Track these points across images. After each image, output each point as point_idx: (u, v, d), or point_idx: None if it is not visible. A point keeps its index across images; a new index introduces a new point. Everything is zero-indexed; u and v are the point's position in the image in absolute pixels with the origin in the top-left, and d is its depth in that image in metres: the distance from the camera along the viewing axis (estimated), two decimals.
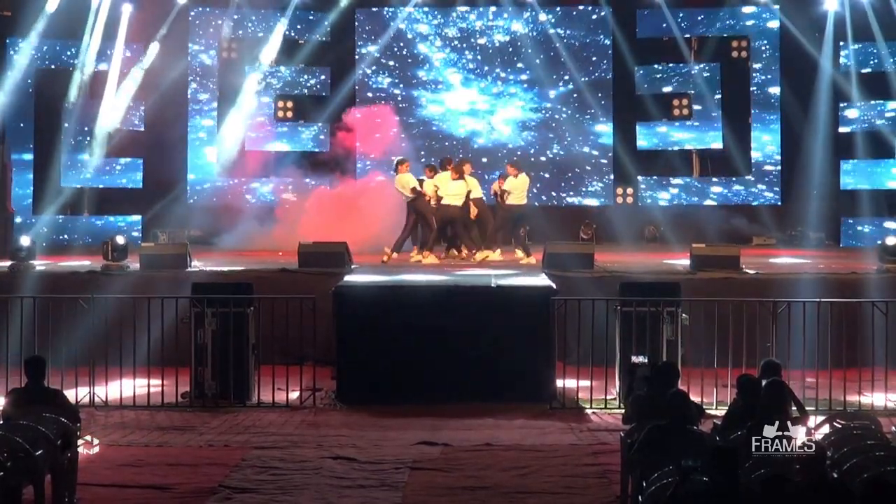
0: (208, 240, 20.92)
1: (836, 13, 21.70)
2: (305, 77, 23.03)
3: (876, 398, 12.73)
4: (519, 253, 17.72)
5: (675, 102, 23.12)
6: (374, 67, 22.89)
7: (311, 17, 22.86)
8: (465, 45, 23.12)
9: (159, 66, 21.88)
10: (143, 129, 22.36)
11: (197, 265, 16.31)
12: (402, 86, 23.06)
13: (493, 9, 22.97)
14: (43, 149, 21.70)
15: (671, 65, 23.04)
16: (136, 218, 21.78)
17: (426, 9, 22.84)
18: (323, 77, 22.85)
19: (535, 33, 22.80)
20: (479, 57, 23.09)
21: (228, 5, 22.37)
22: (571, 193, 23.02)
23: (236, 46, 22.92)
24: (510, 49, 23.06)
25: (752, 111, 22.91)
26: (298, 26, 22.90)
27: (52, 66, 21.83)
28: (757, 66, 22.89)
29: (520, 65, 23.07)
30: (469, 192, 17.48)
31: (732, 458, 6.72)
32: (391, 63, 23.06)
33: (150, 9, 21.79)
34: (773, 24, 22.63)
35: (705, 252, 16.38)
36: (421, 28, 23.06)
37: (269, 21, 22.61)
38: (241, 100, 22.33)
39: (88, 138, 21.95)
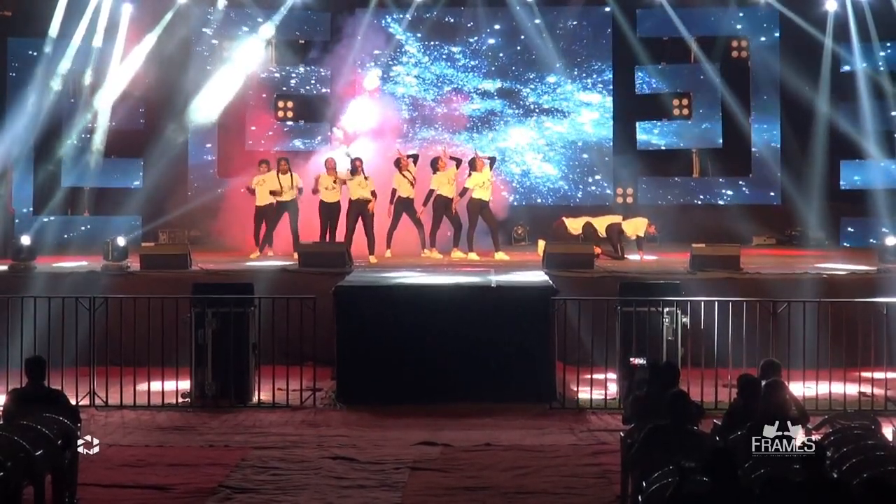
0: (209, 240, 20.89)
1: (837, 13, 21.68)
2: (306, 77, 23.00)
3: (876, 398, 12.73)
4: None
5: (675, 102, 23.09)
6: (374, 70, 22.82)
7: (311, 17, 22.82)
8: (462, 45, 23.08)
9: (160, 65, 21.86)
10: (143, 128, 22.33)
11: (197, 265, 16.30)
12: (398, 84, 23.03)
13: (492, 9, 22.93)
14: (44, 148, 21.66)
15: (671, 64, 23.02)
16: (137, 218, 21.75)
17: (423, 9, 22.76)
18: (324, 77, 22.80)
19: (534, 33, 22.75)
20: (476, 56, 23.06)
21: (229, 4, 22.32)
22: (571, 193, 23.01)
23: (236, 46, 22.84)
24: (508, 50, 23.03)
25: (752, 111, 22.89)
26: (299, 26, 22.87)
27: (53, 66, 21.72)
28: (757, 65, 22.85)
29: (519, 64, 23.04)
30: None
31: (731, 458, 6.73)
32: (389, 63, 23.03)
33: (151, 8, 21.75)
34: (774, 24, 22.60)
35: (705, 252, 16.37)
36: (416, 28, 22.99)
37: (270, 20, 22.53)
38: (239, 97, 22.31)
39: (88, 138, 21.92)
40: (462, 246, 18.29)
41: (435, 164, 18.38)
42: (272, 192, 18.50)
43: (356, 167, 18.30)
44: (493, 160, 18.80)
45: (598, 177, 23.03)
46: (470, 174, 18.31)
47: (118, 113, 21.89)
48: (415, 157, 18.71)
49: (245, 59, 22.28)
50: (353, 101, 22.14)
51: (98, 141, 21.89)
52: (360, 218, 18.18)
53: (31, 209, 21.58)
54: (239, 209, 20.37)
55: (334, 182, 18.28)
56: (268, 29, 22.35)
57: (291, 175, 18.75)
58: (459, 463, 10.37)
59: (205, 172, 22.70)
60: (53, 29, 21.21)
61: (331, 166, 18.44)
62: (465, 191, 18.35)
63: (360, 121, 21.83)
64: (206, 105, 21.98)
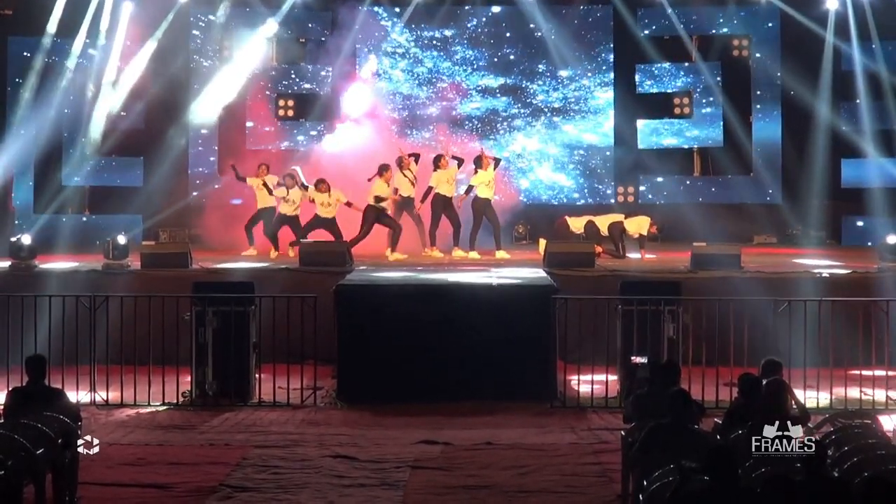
0: (209, 238, 20.86)
1: (838, 12, 21.67)
2: (306, 75, 22.99)
3: (877, 397, 12.73)
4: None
5: (676, 101, 23.09)
6: (375, 67, 22.83)
7: (312, 15, 22.81)
8: (463, 44, 23.07)
9: (160, 64, 21.86)
10: (143, 127, 22.33)
11: (198, 264, 16.30)
12: (399, 83, 23.02)
13: (492, 7, 22.94)
14: (44, 147, 21.65)
15: (672, 63, 23.01)
16: (137, 217, 21.75)
17: (423, 7, 22.76)
18: (325, 75, 22.79)
19: (534, 32, 22.74)
20: (476, 55, 23.05)
21: (229, 4, 22.30)
22: (572, 192, 23.01)
23: (237, 45, 22.81)
24: (510, 48, 23.04)
25: (753, 110, 22.89)
26: (299, 24, 22.86)
27: (53, 64, 21.74)
28: (758, 64, 22.85)
29: (519, 63, 23.04)
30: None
31: (731, 457, 6.73)
32: (390, 63, 23.03)
33: (151, 7, 21.73)
34: (775, 23, 22.59)
35: (706, 251, 16.38)
36: (417, 28, 23.00)
37: (270, 19, 22.50)
38: (240, 96, 22.29)
39: (88, 137, 21.91)
40: (462, 245, 18.28)
41: (437, 162, 18.36)
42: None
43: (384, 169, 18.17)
44: (497, 161, 18.76)
45: (598, 175, 23.01)
46: (476, 171, 18.29)
47: (118, 112, 21.88)
48: (416, 156, 18.69)
49: (247, 59, 22.27)
50: (350, 95, 22.06)
51: (98, 140, 21.88)
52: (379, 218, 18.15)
53: (32, 208, 21.57)
54: (239, 208, 20.38)
55: (329, 198, 18.17)
56: (269, 27, 22.33)
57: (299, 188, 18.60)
58: (460, 461, 10.37)
59: (205, 171, 22.69)
60: (54, 28, 21.23)
61: (324, 189, 18.20)
62: (469, 188, 18.36)
63: (358, 113, 21.77)
64: (207, 107, 21.99)
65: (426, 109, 22.95)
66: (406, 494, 9.37)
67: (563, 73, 22.91)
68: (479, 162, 18.29)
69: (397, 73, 23.05)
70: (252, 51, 22.33)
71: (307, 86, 23.02)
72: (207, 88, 22.05)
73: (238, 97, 22.34)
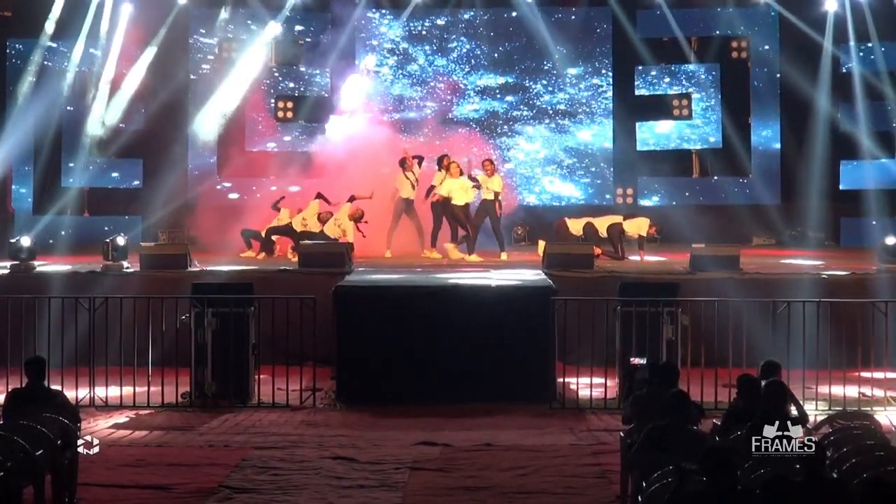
0: (207, 239, 20.84)
1: (837, 13, 21.68)
2: (305, 77, 23.00)
3: (876, 398, 12.74)
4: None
5: (675, 102, 23.12)
6: (373, 66, 22.84)
7: (310, 17, 22.82)
8: (463, 45, 23.09)
9: (160, 66, 21.86)
10: (143, 128, 22.33)
11: (197, 265, 16.30)
12: (399, 83, 23.03)
13: (492, 9, 22.96)
14: (43, 149, 21.66)
15: (671, 65, 23.03)
16: (136, 218, 21.75)
17: (423, 9, 22.78)
18: (323, 76, 22.80)
19: (534, 33, 22.75)
20: (477, 56, 23.06)
21: (229, 5, 22.30)
22: (571, 193, 23.02)
23: (237, 46, 22.84)
24: (509, 49, 23.05)
25: (752, 111, 22.91)
26: (298, 26, 22.86)
27: (52, 66, 21.76)
28: (756, 66, 22.88)
29: (519, 64, 23.05)
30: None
31: (726, 456, 6.73)
32: (389, 63, 23.04)
33: (151, 9, 21.74)
34: (773, 25, 22.61)
35: (705, 252, 16.39)
36: (417, 28, 23.02)
37: (270, 21, 22.52)
38: (238, 97, 22.28)
39: (87, 138, 21.92)
40: (462, 247, 18.26)
41: (441, 162, 18.43)
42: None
43: (408, 164, 18.25)
44: (420, 159, 18.68)
45: (598, 177, 23.02)
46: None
47: (118, 113, 21.88)
48: (420, 159, 18.70)
49: (247, 61, 22.25)
50: (347, 89, 22.03)
51: (98, 141, 21.88)
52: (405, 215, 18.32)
53: (31, 209, 21.57)
54: (240, 210, 20.39)
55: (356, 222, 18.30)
56: (270, 28, 22.33)
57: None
58: (459, 463, 10.37)
59: (205, 173, 22.69)
60: (54, 30, 21.22)
61: (359, 213, 18.31)
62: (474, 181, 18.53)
63: (354, 106, 21.74)
64: (210, 119, 21.99)
65: (423, 110, 22.97)
66: (405, 496, 9.37)
67: (563, 76, 22.92)
68: (482, 165, 18.41)
69: (397, 73, 23.05)
70: (252, 52, 22.32)
71: (306, 87, 23.02)
72: (210, 101, 22.02)
73: (237, 99, 22.35)
